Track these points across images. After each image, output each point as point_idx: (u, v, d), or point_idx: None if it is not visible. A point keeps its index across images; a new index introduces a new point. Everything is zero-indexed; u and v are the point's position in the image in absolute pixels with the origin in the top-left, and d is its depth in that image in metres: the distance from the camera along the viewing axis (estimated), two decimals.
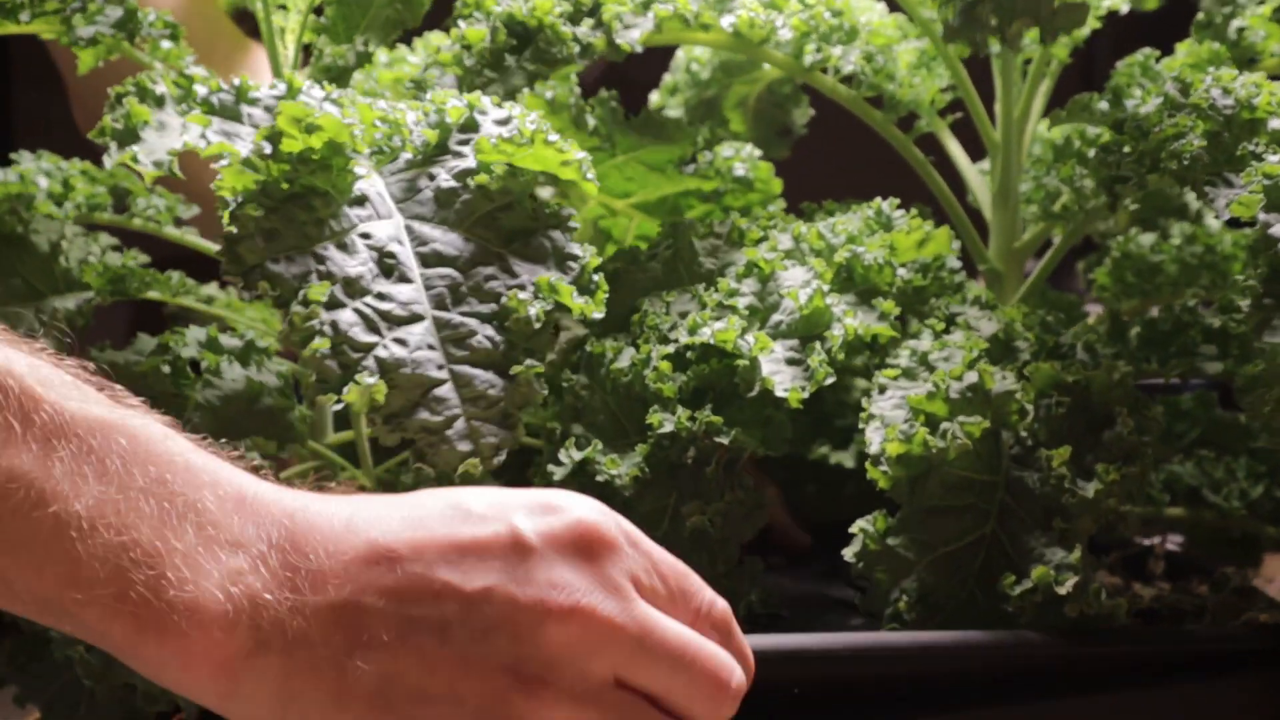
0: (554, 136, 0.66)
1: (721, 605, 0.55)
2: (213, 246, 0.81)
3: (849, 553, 0.68)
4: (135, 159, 0.64)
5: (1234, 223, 0.67)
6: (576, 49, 0.76)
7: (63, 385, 0.48)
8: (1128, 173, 0.67)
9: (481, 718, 0.49)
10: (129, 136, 0.65)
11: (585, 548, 0.51)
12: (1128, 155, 0.68)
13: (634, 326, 0.74)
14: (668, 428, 0.68)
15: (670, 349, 0.70)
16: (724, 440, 0.68)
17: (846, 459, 0.92)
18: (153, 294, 0.81)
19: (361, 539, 0.49)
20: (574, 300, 0.63)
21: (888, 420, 0.68)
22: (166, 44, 0.78)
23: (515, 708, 0.50)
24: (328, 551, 0.49)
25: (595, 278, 0.65)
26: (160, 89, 0.67)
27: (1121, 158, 0.68)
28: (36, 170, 0.81)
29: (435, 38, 0.88)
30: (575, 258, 0.65)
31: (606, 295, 0.66)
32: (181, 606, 0.47)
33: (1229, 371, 0.76)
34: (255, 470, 0.52)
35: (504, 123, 0.67)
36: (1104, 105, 0.79)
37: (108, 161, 0.65)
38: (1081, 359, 0.70)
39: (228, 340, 0.74)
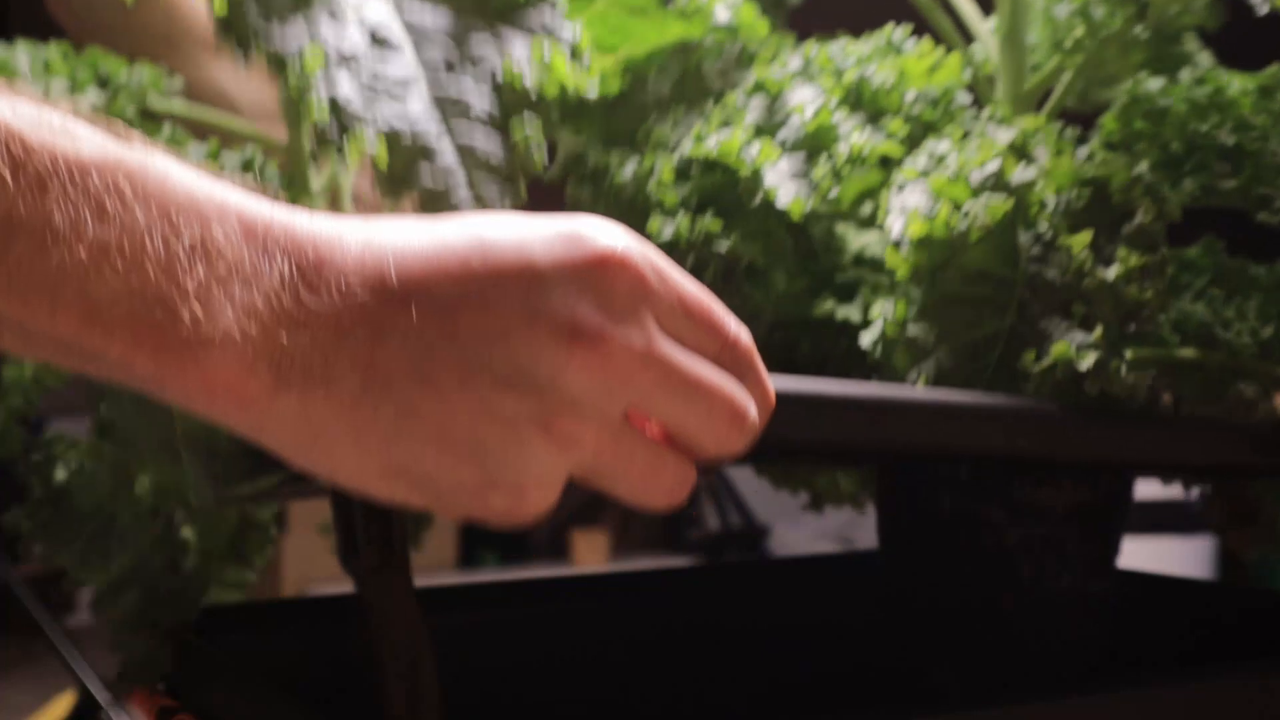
0: None
1: (746, 339, 0.53)
2: (201, 113, 0.82)
3: (867, 340, 0.68)
4: None
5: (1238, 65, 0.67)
6: None
7: (51, 129, 0.45)
8: None
9: (502, 458, 0.49)
10: None
11: (609, 281, 0.49)
12: None
13: (639, 141, 0.73)
14: (667, 234, 0.68)
15: (674, 160, 0.70)
16: (722, 248, 0.67)
17: (853, 312, 0.92)
18: None
19: (376, 275, 0.48)
20: (567, 70, 0.63)
21: (909, 207, 0.68)
22: None
23: (534, 448, 0.49)
24: (341, 290, 0.47)
25: (588, 54, 0.65)
26: None
27: None
28: (14, 54, 0.80)
29: None
30: (567, 34, 0.65)
31: (610, 98, 0.65)
32: (198, 346, 0.46)
33: (1243, 187, 0.76)
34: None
35: None
36: None
37: None
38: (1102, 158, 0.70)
39: (228, 156, 0.73)
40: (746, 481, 4.35)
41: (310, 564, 4.00)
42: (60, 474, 0.75)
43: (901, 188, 0.70)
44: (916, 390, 0.64)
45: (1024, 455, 0.64)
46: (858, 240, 0.94)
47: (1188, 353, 0.86)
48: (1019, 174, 0.68)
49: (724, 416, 0.52)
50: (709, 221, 0.67)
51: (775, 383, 0.55)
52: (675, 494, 0.53)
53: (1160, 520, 3.10)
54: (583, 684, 0.99)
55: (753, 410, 0.53)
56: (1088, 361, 0.63)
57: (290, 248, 0.47)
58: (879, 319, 0.68)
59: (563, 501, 0.52)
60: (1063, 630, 0.78)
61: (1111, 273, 0.65)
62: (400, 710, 0.81)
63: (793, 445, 0.57)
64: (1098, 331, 0.64)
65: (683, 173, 0.69)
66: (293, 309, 0.47)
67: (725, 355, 0.53)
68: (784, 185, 0.66)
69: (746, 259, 0.68)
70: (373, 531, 0.80)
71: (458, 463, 0.49)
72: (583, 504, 4.29)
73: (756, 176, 0.67)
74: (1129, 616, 1.04)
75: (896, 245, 0.67)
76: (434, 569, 4.07)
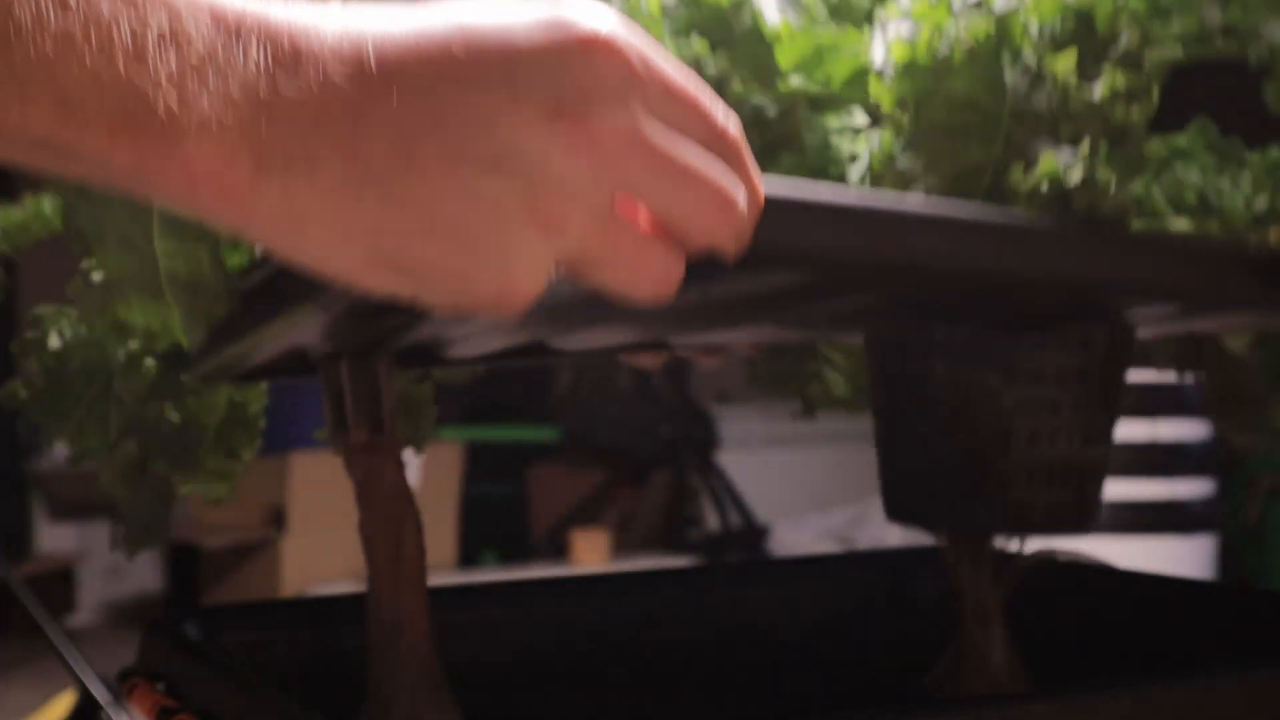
0: None
1: (734, 130, 0.52)
2: None
3: (854, 174, 0.67)
4: None
5: None
6: None
7: None
8: None
9: (488, 243, 0.48)
10: None
11: (594, 64, 0.48)
12: None
13: None
14: None
15: None
16: (712, 70, 0.67)
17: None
18: None
19: (355, 61, 0.47)
20: None
21: (891, 38, 0.67)
22: None
23: (520, 232, 0.48)
24: (319, 78, 0.46)
25: None
26: None
27: None
28: None
29: None
30: None
31: None
32: (176, 136, 0.45)
33: (1231, 25, 0.75)
34: None
35: None
36: None
37: None
38: None
39: None
40: (746, 481, 4.34)
41: (310, 564, 3.99)
42: (54, 342, 0.75)
43: (884, 25, 0.69)
44: (908, 199, 0.63)
45: (1014, 272, 0.62)
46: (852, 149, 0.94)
47: (1181, 223, 0.85)
48: (1003, 1, 0.67)
49: (712, 203, 0.51)
50: (697, 44, 0.66)
51: (765, 185, 0.54)
52: (662, 285, 0.52)
53: (1160, 520, 3.09)
54: (583, 684, 0.99)
55: (742, 199, 0.52)
56: (1075, 176, 0.62)
57: (265, 36, 0.46)
58: (865, 151, 0.67)
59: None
60: (1058, 496, 0.77)
61: (1097, 91, 0.64)
62: (383, 586, 0.80)
63: (781, 253, 0.56)
64: (1084, 147, 0.63)
65: (668, 8, 0.69)
66: (270, 98, 0.46)
67: (714, 144, 0.52)
68: (770, 10, 0.66)
69: (737, 81, 0.68)
70: (361, 408, 0.79)
71: (444, 249, 0.48)
72: (583, 504, 4.28)
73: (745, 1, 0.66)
74: (1130, 616, 1.04)
75: (880, 75, 0.66)
76: (434, 569, 4.05)
